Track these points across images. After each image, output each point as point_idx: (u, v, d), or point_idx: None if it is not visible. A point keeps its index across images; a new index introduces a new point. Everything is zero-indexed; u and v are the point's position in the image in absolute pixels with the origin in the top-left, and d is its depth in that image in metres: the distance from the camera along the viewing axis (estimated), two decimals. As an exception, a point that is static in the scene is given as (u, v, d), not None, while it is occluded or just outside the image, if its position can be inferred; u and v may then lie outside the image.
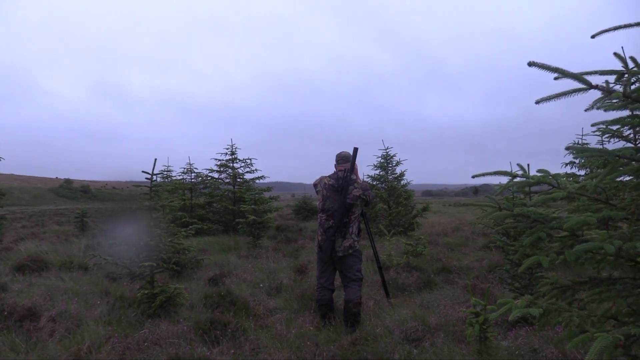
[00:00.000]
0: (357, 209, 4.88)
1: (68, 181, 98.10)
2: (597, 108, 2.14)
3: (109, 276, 7.26)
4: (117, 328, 4.65)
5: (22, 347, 4.33)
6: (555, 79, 2.06)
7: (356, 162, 4.99)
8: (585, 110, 2.17)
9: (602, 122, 2.30)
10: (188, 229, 7.62)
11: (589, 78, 2.05)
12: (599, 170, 2.36)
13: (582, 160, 8.93)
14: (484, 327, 3.78)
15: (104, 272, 7.46)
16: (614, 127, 2.54)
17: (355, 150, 4.95)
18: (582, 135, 10.49)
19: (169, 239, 5.78)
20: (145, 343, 4.24)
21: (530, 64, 2.10)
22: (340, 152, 5.08)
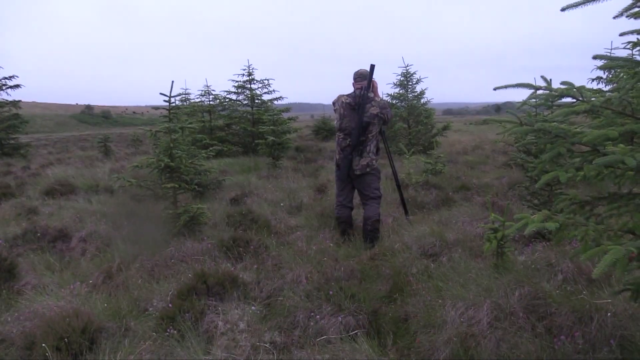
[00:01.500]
0: (375, 127, 4.84)
1: (89, 107, 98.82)
2: (627, 16, 2.01)
3: (134, 198, 7.47)
4: (145, 247, 4.84)
5: (56, 266, 4.57)
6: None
7: (375, 80, 4.89)
8: (614, 18, 2.05)
9: (632, 31, 2.18)
10: (208, 150, 7.69)
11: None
12: (626, 85, 2.26)
13: (610, 75, 8.61)
14: (502, 242, 3.83)
15: (129, 194, 7.67)
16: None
17: (372, 67, 4.82)
18: (611, 49, 10.03)
19: (190, 161, 5.86)
20: (171, 260, 4.42)
21: None
22: (358, 70, 4.97)
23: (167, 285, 3.75)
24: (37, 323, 3.06)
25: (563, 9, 2.01)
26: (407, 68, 13.71)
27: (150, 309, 3.42)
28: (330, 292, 3.46)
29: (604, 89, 9.17)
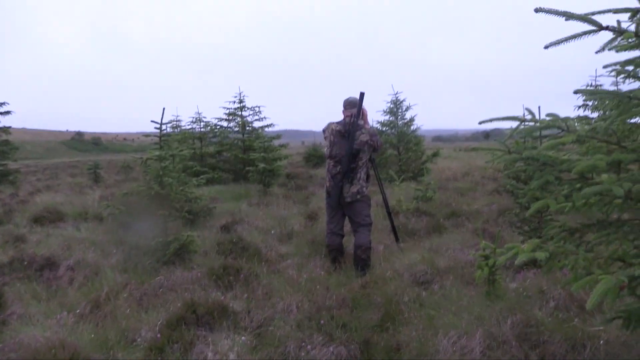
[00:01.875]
0: (365, 154, 4.87)
1: (79, 134, 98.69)
2: (609, 49, 2.08)
3: (123, 225, 7.40)
4: (134, 275, 4.79)
5: (43, 295, 4.49)
6: (567, 19, 2.00)
7: (365, 108, 4.94)
8: (596, 53, 2.11)
9: (615, 63, 2.25)
10: (199, 178, 7.69)
11: (600, 17, 1.98)
12: (611, 112, 2.31)
13: (595, 103, 8.77)
14: (493, 270, 3.83)
15: (119, 222, 7.60)
16: (629, 68, 2.47)
17: (362, 95, 4.88)
18: (596, 76, 10.24)
19: (181, 188, 5.84)
20: (160, 289, 4.37)
21: (537, 10, 2.03)
22: (348, 98, 5.02)
23: (156, 315, 3.70)
24: (23, 354, 3.00)
25: (546, 47, 2.08)
26: (397, 95, 13.89)
27: (139, 339, 3.36)
28: (322, 322, 3.42)
29: (590, 115, 9.35)
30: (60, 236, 6.91)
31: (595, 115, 8.96)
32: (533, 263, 4.53)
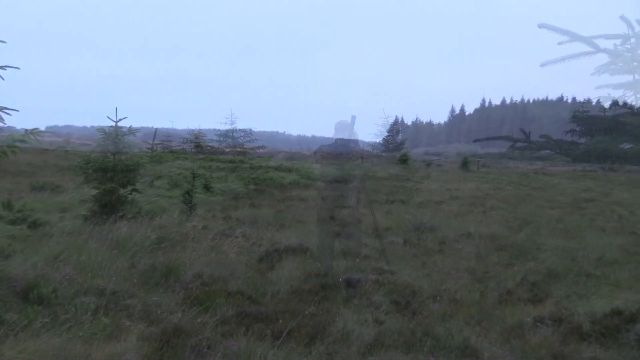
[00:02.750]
0: (356, 176, 4.87)
1: (66, 152, 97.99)
2: (602, 72, 2.09)
3: (111, 246, 7.26)
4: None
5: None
6: (560, 44, 2.01)
7: (355, 130, 4.96)
8: (592, 75, 2.13)
9: (607, 85, 2.27)
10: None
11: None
12: (601, 137, 2.32)
13: (583, 128, 8.94)
14: (485, 292, 3.81)
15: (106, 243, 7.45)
16: (617, 94, 2.50)
17: (353, 118, 4.92)
18: (583, 103, 10.46)
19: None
20: (147, 313, 4.25)
21: (541, 26, 2.05)
22: (339, 121, 5.04)
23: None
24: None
25: (542, 65, 2.10)
26: (387, 119, 14.03)
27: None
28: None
29: (578, 140, 9.50)
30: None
31: (583, 140, 9.12)
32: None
